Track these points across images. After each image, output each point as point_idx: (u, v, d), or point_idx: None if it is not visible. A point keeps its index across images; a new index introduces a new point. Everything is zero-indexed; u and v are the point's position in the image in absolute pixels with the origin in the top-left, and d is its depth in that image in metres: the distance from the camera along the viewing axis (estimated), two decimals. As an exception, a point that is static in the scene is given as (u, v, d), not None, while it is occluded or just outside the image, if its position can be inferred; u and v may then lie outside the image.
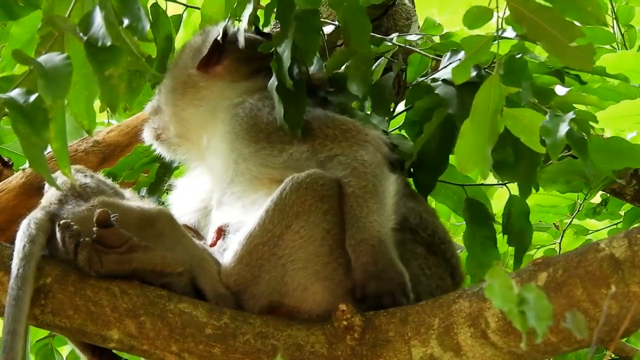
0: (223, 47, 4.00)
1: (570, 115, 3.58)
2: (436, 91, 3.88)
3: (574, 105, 3.82)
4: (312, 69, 4.04)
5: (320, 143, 3.74)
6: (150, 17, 3.94)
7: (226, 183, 3.83)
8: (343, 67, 4.08)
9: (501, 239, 4.22)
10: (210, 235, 3.82)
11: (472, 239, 4.21)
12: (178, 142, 4.09)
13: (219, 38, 3.95)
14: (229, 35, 4.01)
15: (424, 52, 4.31)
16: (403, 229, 3.72)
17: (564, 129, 3.52)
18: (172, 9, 4.54)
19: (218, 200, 3.86)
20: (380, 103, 4.10)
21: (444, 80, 3.92)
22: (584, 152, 3.63)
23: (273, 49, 3.79)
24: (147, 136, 4.16)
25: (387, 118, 4.15)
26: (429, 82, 4.03)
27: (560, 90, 3.92)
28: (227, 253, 3.63)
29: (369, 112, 4.12)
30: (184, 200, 4.08)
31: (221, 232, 3.75)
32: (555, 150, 3.51)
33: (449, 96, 3.85)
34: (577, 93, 3.90)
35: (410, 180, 4.05)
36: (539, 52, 4.11)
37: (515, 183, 3.93)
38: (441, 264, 3.80)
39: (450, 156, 4.22)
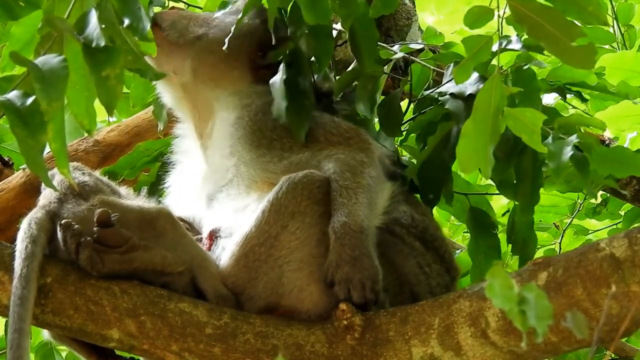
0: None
1: (574, 138, 3.59)
2: (446, 106, 3.86)
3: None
4: (318, 77, 4.03)
5: (320, 148, 3.75)
6: (150, 17, 3.93)
7: (223, 182, 3.83)
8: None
9: (502, 238, 4.22)
10: (203, 236, 3.80)
11: (476, 249, 4.21)
12: (180, 108, 4.06)
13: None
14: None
15: (424, 63, 4.30)
16: (395, 224, 3.73)
17: (567, 153, 3.54)
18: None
19: (210, 194, 3.86)
20: (389, 122, 4.07)
21: (452, 94, 3.91)
22: (585, 171, 3.63)
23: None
24: (157, 64, 3.90)
25: (397, 139, 4.14)
26: (436, 96, 4.00)
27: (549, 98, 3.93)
28: (223, 254, 3.63)
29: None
30: (180, 190, 4.04)
31: (213, 237, 3.74)
32: (559, 173, 3.54)
33: (459, 110, 3.84)
34: (581, 115, 3.91)
35: (418, 196, 4.06)
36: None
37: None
38: (437, 259, 3.81)
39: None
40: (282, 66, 3.85)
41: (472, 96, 3.77)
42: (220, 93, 3.96)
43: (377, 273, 3.48)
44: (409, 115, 4.24)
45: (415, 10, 5.21)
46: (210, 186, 3.88)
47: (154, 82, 4.17)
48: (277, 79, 3.82)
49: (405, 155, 4.22)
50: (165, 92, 4.11)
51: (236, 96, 3.93)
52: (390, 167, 3.84)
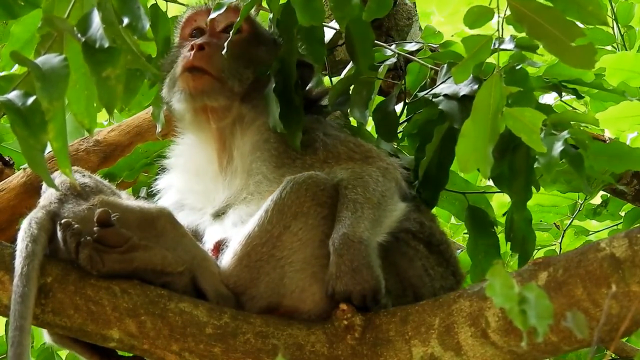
0: None
1: (565, 134, 3.59)
2: (440, 106, 3.86)
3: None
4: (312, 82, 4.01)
5: (339, 164, 3.74)
6: (149, 17, 3.92)
7: (237, 201, 3.79)
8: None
9: (502, 238, 4.23)
10: (207, 247, 3.77)
11: (475, 248, 4.21)
12: (200, 136, 3.96)
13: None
14: None
15: (422, 62, 4.30)
16: (400, 231, 3.72)
17: (558, 148, 3.54)
18: (174, 10, 4.53)
19: (221, 210, 3.82)
20: (385, 128, 4.06)
21: (446, 95, 3.91)
22: (579, 168, 3.64)
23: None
24: (195, 112, 3.90)
25: (395, 144, 4.13)
26: (430, 98, 3.99)
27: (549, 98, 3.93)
28: (226, 253, 3.62)
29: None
30: (179, 204, 3.97)
31: (219, 247, 3.72)
32: (549, 169, 3.54)
33: (453, 111, 3.83)
34: (574, 112, 3.91)
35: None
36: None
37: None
38: (442, 263, 3.80)
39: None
40: (271, 76, 3.82)
41: (466, 97, 3.78)
42: (253, 122, 3.91)
43: (378, 283, 3.45)
44: (404, 117, 4.24)
45: (416, 10, 5.21)
46: (222, 205, 3.83)
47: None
48: (269, 89, 3.80)
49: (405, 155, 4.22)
50: (187, 127, 4.03)
51: (264, 119, 3.87)
52: (405, 189, 3.82)
